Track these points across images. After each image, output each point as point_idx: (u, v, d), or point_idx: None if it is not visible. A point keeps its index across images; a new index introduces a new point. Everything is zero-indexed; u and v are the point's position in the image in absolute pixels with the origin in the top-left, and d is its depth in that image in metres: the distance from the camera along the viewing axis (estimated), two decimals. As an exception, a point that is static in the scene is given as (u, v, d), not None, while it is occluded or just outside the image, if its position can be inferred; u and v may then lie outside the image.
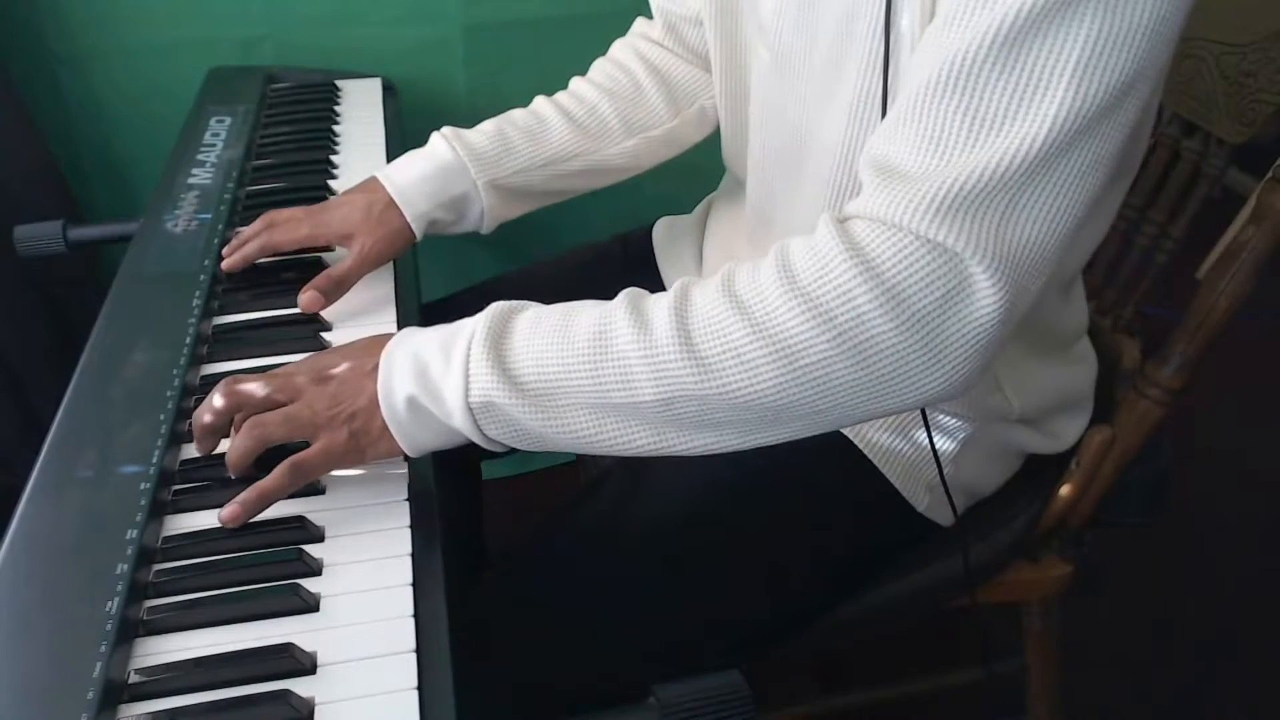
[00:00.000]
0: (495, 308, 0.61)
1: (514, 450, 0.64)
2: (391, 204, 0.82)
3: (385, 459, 0.63)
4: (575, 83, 0.94)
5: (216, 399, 0.63)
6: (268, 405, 0.62)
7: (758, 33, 0.75)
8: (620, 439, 0.59)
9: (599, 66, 0.95)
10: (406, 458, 0.64)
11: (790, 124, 0.74)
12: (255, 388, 0.63)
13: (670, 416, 0.57)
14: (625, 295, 0.60)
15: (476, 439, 0.60)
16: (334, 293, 0.79)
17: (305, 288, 0.77)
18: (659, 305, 0.58)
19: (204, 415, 0.63)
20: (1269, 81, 0.82)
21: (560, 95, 0.93)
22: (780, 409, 0.56)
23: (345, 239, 0.81)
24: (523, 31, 1.23)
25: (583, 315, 0.59)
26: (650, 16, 0.97)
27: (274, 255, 0.82)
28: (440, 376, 0.59)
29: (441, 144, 0.85)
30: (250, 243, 0.80)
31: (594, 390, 0.57)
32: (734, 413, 0.57)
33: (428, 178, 0.83)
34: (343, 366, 0.63)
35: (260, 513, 0.60)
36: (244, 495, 0.59)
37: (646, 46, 0.95)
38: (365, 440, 0.61)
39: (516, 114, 0.90)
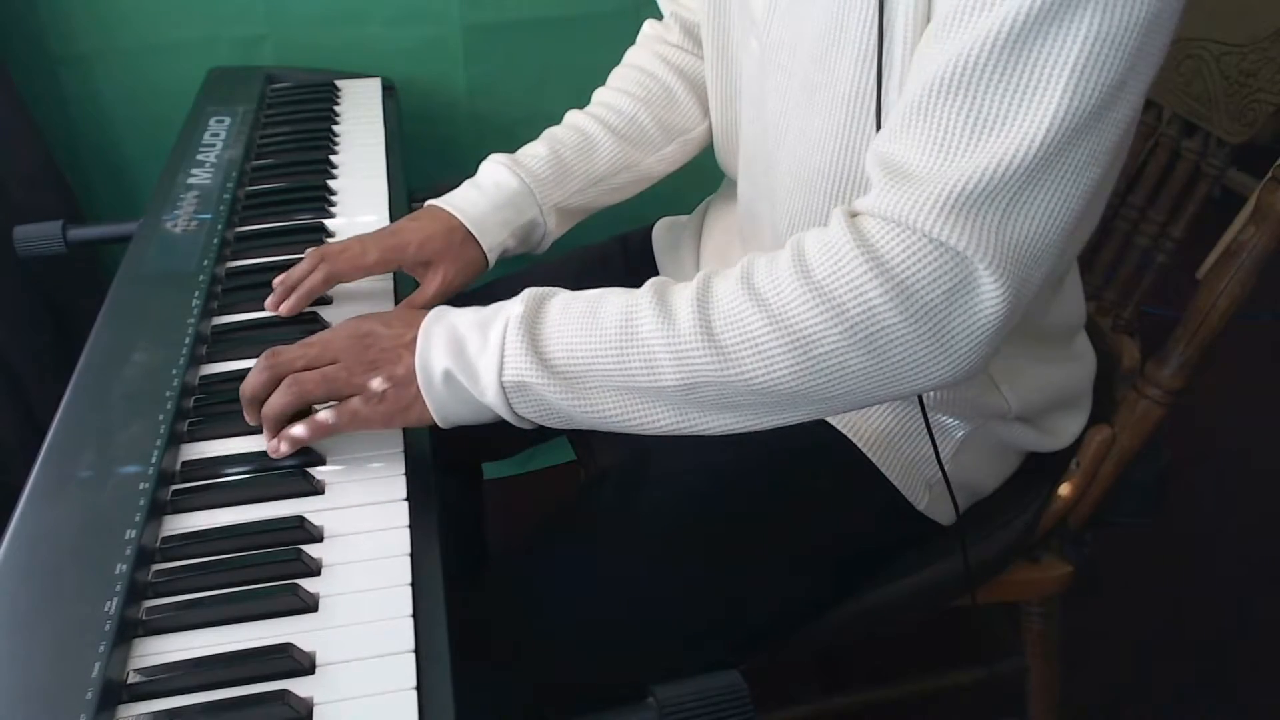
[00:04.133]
0: (530, 293, 0.64)
1: (541, 431, 0.67)
2: (469, 235, 0.83)
3: (415, 427, 0.66)
4: (605, 94, 0.93)
5: (258, 373, 0.65)
6: (308, 370, 0.65)
7: (749, 26, 0.75)
8: (645, 419, 0.62)
9: (624, 75, 0.95)
10: (407, 454, 0.66)
11: (769, 117, 0.74)
12: (296, 355, 0.65)
13: (692, 399, 0.61)
14: (651, 285, 0.63)
15: (508, 416, 0.63)
16: None
17: None
18: (682, 295, 0.61)
19: (247, 388, 0.65)
20: (1269, 81, 0.82)
21: (595, 109, 0.92)
22: (796, 394, 0.59)
23: (423, 267, 0.81)
24: (523, 31, 1.23)
25: (610, 303, 0.62)
26: (653, 17, 0.97)
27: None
28: (477, 354, 0.62)
29: (504, 173, 0.85)
30: (311, 276, 0.77)
31: (620, 374, 0.61)
32: (753, 397, 0.60)
33: (500, 207, 0.84)
34: (381, 335, 0.65)
35: (298, 447, 0.64)
36: (290, 431, 0.63)
37: (668, 50, 0.95)
38: (397, 406, 0.64)
39: (560, 133, 0.90)
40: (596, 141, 0.89)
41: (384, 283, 0.83)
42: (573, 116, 0.92)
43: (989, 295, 0.55)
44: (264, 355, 0.66)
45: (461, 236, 0.82)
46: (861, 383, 0.58)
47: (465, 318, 0.65)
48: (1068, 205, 0.56)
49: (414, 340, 0.64)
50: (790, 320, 0.57)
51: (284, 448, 0.64)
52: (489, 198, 0.84)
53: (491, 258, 0.85)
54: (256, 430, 0.65)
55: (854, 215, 0.58)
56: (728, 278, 0.61)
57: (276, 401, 0.63)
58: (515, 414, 0.63)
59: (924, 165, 0.56)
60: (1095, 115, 0.54)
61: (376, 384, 0.64)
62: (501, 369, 0.61)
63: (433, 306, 0.80)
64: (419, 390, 0.63)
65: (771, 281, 0.58)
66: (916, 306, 0.55)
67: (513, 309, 0.63)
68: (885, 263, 0.55)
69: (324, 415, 0.64)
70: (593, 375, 0.61)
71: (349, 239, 0.81)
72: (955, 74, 0.54)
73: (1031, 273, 0.56)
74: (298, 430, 0.63)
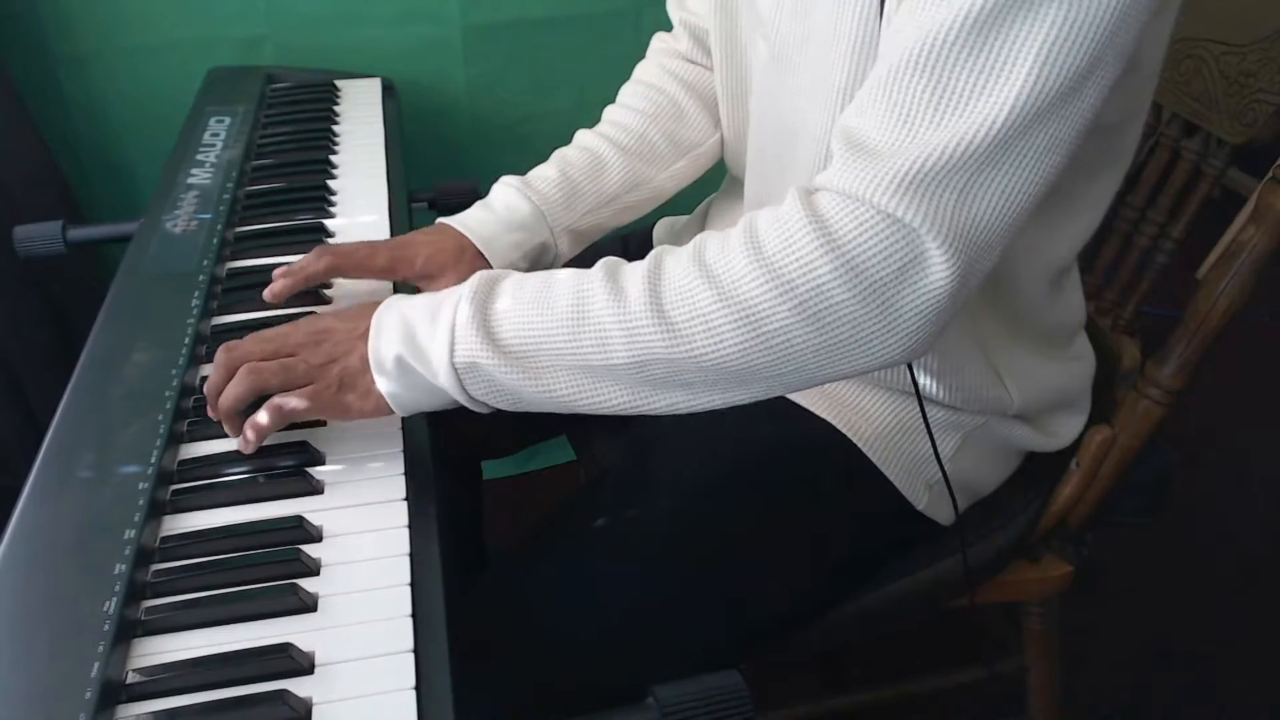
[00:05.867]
0: (480, 275, 0.64)
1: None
2: (479, 254, 0.82)
3: (372, 417, 0.65)
4: (614, 112, 0.93)
5: (216, 368, 0.65)
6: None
7: (757, 27, 0.75)
8: (598, 398, 0.62)
9: (633, 91, 0.94)
10: (406, 454, 0.65)
11: (785, 117, 0.74)
12: (251, 349, 0.65)
13: (643, 377, 0.60)
14: (603, 264, 0.62)
15: (461, 399, 0.63)
16: None
17: None
18: (634, 273, 0.61)
19: (210, 385, 0.65)
20: (1269, 81, 0.82)
21: (604, 127, 0.91)
22: (745, 371, 0.59)
23: (430, 279, 0.80)
24: (523, 31, 1.23)
25: (562, 282, 0.62)
26: (658, 23, 0.96)
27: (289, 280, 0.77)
28: (427, 339, 0.62)
29: (515, 196, 0.84)
30: (313, 263, 0.76)
31: (572, 353, 0.60)
32: (703, 374, 0.60)
33: (512, 229, 0.83)
34: (337, 328, 0.66)
35: (265, 436, 0.64)
36: (254, 418, 0.63)
37: (676, 64, 0.94)
38: (353, 396, 0.64)
39: (570, 154, 0.89)
40: (606, 161, 0.88)
41: (384, 287, 0.83)
42: (582, 136, 0.91)
43: (938, 274, 0.55)
44: (220, 349, 0.66)
45: (472, 255, 0.81)
46: (810, 359, 0.58)
47: (416, 304, 0.65)
48: (1026, 189, 0.56)
49: (367, 330, 0.64)
50: (739, 296, 0.57)
51: (250, 435, 0.63)
52: (500, 219, 0.84)
53: None
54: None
55: (811, 192, 0.58)
56: (680, 255, 0.61)
57: (233, 391, 0.63)
58: (469, 395, 0.63)
59: (885, 140, 0.56)
60: (1059, 101, 0.54)
61: (333, 374, 0.64)
62: (452, 351, 0.61)
63: None
64: (373, 379, 0.64)
65: (722, 257, 0.58)
66: (865, 283, 0.55)
67: (463, 291, 0.63)
68: (836, 238, 0.55)
69: (282, 399, 0.63)
70: (544, 354, 0.61)
71: (359, 242, 0.80)
72: (922, 51, 0.55)
73: (983, 255, 0.57)
74: (260, 416, 0.63)
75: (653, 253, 0.62)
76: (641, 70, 0.96)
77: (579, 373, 0.61)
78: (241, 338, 0.74)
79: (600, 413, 0.63)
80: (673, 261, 0.61)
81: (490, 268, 0.82)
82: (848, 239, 0.55)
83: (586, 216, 0.87)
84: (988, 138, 0.54)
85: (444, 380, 0.62)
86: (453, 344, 0.61)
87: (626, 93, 0.94)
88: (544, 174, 0.87)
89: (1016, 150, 0.55)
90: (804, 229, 0.56)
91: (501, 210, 0.84)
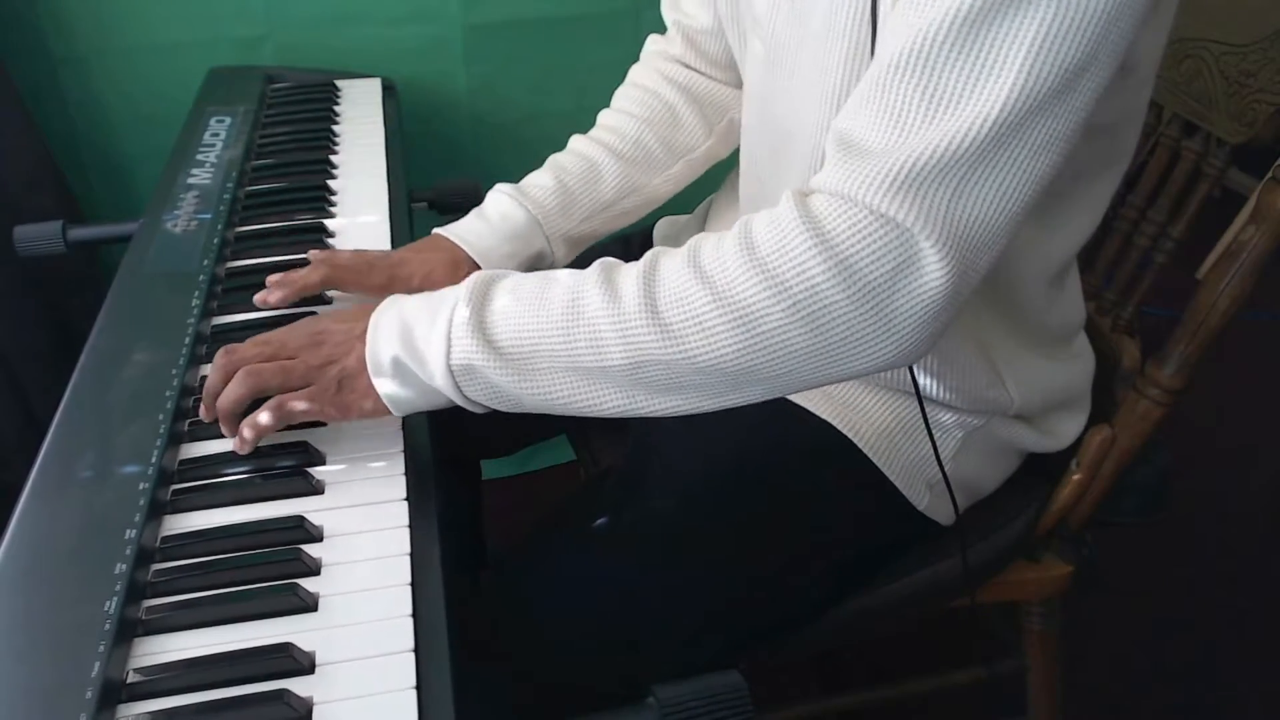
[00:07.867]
0: (477, 276, 0.64)
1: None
2: (475, 267, 0.81)
3: (371, 417, 0.66)
4: (609, 116, 0.93)
5: (215, 370, 0.66)
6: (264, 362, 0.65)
7: (753, 28, 0.75)
8: (592, 400, 0.62)
9: (627, 95, 0.94)
10: (407, 454, 0.65)
11: (781, 119, 0.74)
12: (250, 351, 0.66)
13: (638, 379, 0.60)
14: (598, 264, 0.62)
15: (458, 400, 0.63)
16: None
17: None
18: (629, 274, 0.61)
19: (209, 385, 0.66)
20: (1269, 81, 0.82)
21: (598, 132, 0.91)
22: (740, 373, 0.59)
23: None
24: (523, 31, 1.23)
25: (558, 283, 0.62)
26: (655, 21, 0.97)
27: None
28: (424, 340, 0.62)
29: (511, 204, 0.84)
30: (309, 274, 0.76)
31: (566, 354, 0.60)
32: (698, 376, 0.59)
33: (508, 239, 0.83)
34: (334, 329, 0.66)
35: (263, 434, 0.64)
36: (253, 416, 0.63)
37: (670, 67, 0.94)
38: (352, 397, 0.64)
39: (565, 160, 0.89)
40: (601, 167, 0.88)
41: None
42: (577, 142, 0.91)
43: (933, 275, 0.55)
44: (219, 352, 0.66)
45: (468, 268, 0.81)
46: (805, 361, 0.58)
47: (413, 304, 0.65)
48: (1020, 188, 0.56)
49: (365, 331, 0.64)
50: (734, 297, 0.57)
51: (248, 434, 0.63)
52: (496, 230, 0.83)
53: None
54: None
55: (806, 194, 0.58)
56: (675, 256, 0.61)
57: (231, 393, 0.63)
58: (465, 397, 0.63)
59: (878, 141, 0.56)
60: (1052, 98, 0.54)
61: (331, 375, 0.64)
62: (449, 353, 0.61)
63: None
64: (370, 380, 0.64)
65: (717, 259, 0.58)
66: (860, 284, 0.55)
67: (458, 292, 0.63)
68: (830, 239, 0.55)
69: (282, 399, 0.63)
70: (540, 355, 0.61)
71: (356, 253, 0.80)
72: (914, 51, 0.54)
73: (978, 256, 0.56)
74: (261, 416, 0.63)
75: (648, 254, 0.62)
76: (635, 73, 0.96)
77: (574, 374, 0.61)
78: (242, 338, 0.74)
79: (597, 415, 0.63)
80: (668, 263, 0.60)
81: None
82: (841, 240, 0.55)
83: (583, 224, 0.87)
84: (980, 136, 0.54)
85: (440, 382, 0.62)
86: (449, 346, 0.61)
87: (621, 96, 0.94)
88: (539, 181, 0.86)
89: (1010, 148, 0.54)
90: (798, 230, 0.56)
91: (496, 220, 0.84)
